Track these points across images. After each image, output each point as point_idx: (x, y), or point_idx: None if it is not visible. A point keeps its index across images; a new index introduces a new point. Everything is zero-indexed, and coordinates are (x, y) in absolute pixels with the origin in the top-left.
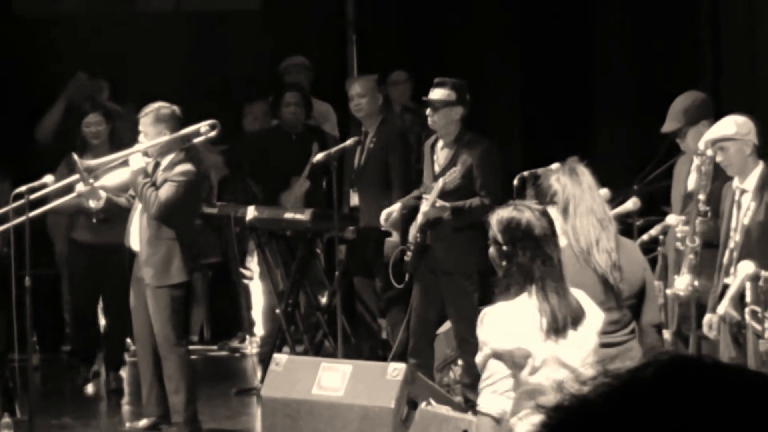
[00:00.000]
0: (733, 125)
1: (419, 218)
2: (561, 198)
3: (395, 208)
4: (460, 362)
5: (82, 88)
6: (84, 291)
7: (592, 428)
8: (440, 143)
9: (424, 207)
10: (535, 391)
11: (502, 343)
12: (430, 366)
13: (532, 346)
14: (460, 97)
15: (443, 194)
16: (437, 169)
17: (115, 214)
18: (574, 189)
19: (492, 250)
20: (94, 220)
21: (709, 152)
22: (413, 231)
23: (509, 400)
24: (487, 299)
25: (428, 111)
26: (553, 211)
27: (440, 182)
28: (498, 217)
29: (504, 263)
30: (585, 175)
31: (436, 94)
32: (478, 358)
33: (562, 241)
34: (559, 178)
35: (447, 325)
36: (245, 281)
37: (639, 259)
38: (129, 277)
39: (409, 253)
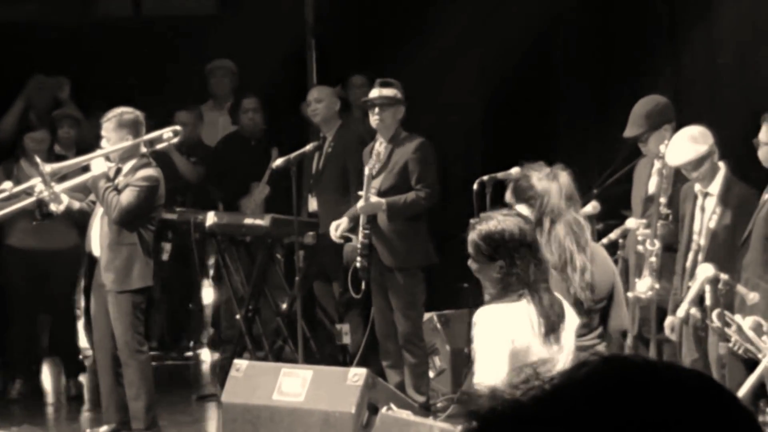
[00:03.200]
0: (692, 150)
1: (360, 218)
2: (541, 204)
3: (343, 221)
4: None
5: (41, 88)
6: (24, 300)
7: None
8: (377, 143)
9: (360, 203)
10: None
11: (498, 344)
12: (401, 366)
13: (533, 348)
14: (403, 98)
15: (380, 195)
16: (373, 166)
17: (68, 218)
18: (557, 200)
19: (478, 266)
20: (34, 223)
21: None
22: (359, 234)
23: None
24: (436, 298)
25: (376, 110)
26: (526, 211)
27: (366, 170)
28: (485, 232)
29: (499, 276)
30: (567, 185)
31: (385, 92)
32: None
33: None
34: (541, 179)
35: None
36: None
37: (609, 265)
38: (87, 282)
39: (359, 259)
